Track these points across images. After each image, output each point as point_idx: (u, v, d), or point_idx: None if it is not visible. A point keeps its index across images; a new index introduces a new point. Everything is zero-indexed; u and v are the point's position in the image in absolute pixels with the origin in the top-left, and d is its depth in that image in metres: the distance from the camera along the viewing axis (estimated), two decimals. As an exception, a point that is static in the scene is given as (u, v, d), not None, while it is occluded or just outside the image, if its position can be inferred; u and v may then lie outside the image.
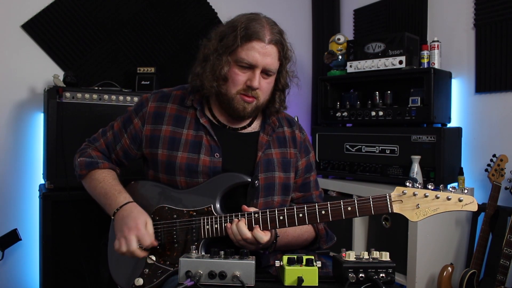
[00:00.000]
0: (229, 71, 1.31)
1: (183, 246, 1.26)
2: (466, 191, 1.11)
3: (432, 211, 1.10)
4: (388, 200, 1.13)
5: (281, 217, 1.20)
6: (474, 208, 1.10)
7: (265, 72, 1.31)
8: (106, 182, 1.36)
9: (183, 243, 1.26)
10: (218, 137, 1.36)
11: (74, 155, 1.48)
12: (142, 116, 1.40)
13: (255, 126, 1.44)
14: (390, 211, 1.13)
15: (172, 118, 1.38)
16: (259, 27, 1.29)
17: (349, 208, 1.15)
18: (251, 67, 1.29)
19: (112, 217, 1.30)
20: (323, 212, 1.18)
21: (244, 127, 1.42)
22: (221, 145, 1.35)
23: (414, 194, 1.11)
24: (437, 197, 1.10)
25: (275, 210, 1.20)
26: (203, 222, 1.25)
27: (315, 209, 1.18)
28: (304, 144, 1.51)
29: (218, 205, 1.28)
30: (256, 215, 1.21)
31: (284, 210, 1.20)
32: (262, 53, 1.28)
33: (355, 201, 1.15)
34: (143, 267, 1.28)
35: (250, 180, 1.30)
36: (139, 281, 1.26)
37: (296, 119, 1.64)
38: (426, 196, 1.11)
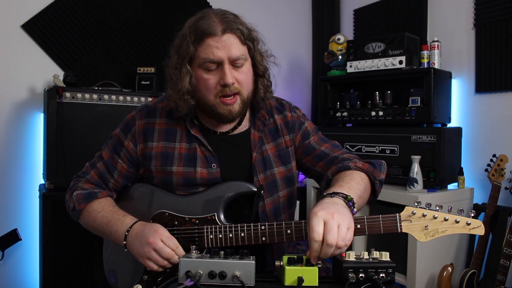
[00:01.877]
0: (196, 79, 1.24)
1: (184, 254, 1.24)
2: (473, 214, 1.14)
3: (440, 233, 1.13)
4: (397, 220, 1.14)
5: (289, 231, 1.17)
6: (481, 232, 1.13)
7: (234, 64, 1.22)
8: (106, 210, 1.28)
9: (185, 251, 1.22)
10: (212, 146, 1.31)
11: (65, 196, 1.39)
12: (132, 137, 1.33)
13: (245, 124, 1.37)
14: (399, 231, 1.14)
15: (162, 133, 1.32)
16: (207, 23, 1.21)
17: (359, 226, 1.14)
18: (217, 65, 1.21)
19: (124, 242, 1.21)
20: None
21: (235, 127, 1.36)
22: (216, 154, 1.30)
23: (423, 215, 1.13)
24: (446, 219, 1.12)
25: (282, 224, 1.18)
26: (207, 231, 1.22)
27: None
28: (298, 121, 1.42)
29: (222, 214, 1.25)
30: (263, 227, 1.19)
31: (291, 224, 1.18)
32: (221, 46, 1.19)
33: (365, 219, 1.15)
34: (143, 273, 1.25)
35: (256, 189, 1.26)
36: (138, 287, 1.23)
37: None
38: (435, 218, 1.13)
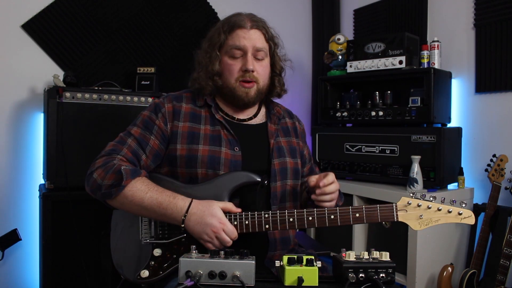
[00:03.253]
0: (222, 64, 1.42)
1: (190, 241, 1.26)
2: (464, 205, 1.21)
3: (434, 222, 1.21)
4: (394, 209, 1.23)
5: (291, 219, 1.24)
6: (472, 221, 1.21)
7: (256, 55, 1.41)
8: (152, 190, 1.26)
9: (191, 238, 1.26)
10: (234, 131, 1.41)
11: (90, 174, 1.30)
12: (162, 116, 1.40)
13: (261, 118, 1.52)
14: (395, 220, 1.23)
15: (189, 116, 1.42)
16: (239, 18, 1.41)
17: (357, 215, 1.24)
18: (242, 54, 1.40)
19: (182, 225, 1.24)
20: (332, 216, 1.24)
21: (250, 118, 1.49)
22: (238, 139, 1.40)
23: (418, 205, 1.21)
24: (439, 209, 1.20)
25: (285, 212, 1.25)
26: None
27: (325, 213, 1.24)
28: (303, 134, 1.65)
29: None
30: (267, 216, 1.25)
31: (294, 212, 1.25)
32: (248, 37, 1.39)
33: (363, 208, 1.24)
34: (149, 259, 1.29)
35: (259, 179, 1.31)
36: (145, 273, 1.27)
37: None
38: (429, 208, 1.20)
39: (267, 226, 1.24)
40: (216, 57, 1.42)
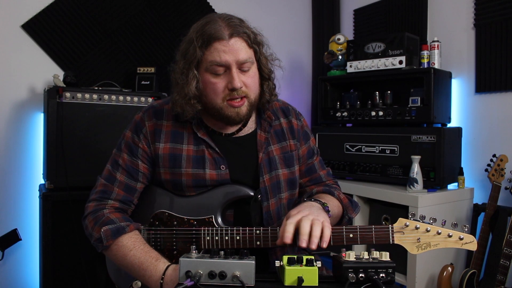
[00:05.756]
0: (204, 82, 1.24)
1: (181, 253, 1.23)
2: (466, 229, 1.16)
3: (433, 246, 1.15)
4: (390, 231, 1.17)
5: None
6: (474, 247, 1.15)
7: (241, 68, 1.23)
8: (137, 248, 1.21)
9: (183, 250, 1.25)
10: (219, 148, 1.31)
11: (84, 219, 1.30)
12: (144, 137, 1.32)
13: (251, 125, 1.38)
14: (391, 242, 1.17)
15: (170, 135, 1.32)
16: (213, 28, 1.20)
17: (351, 235, 1.17)
18: (224, 70, 1.22)
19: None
20: None
21: (240, 129, 1.36)
22: (224, 155, 1.31)
23: (416, 228, 1.15)
24: (439, 233, 1.15)
25: (276, 229, 1.19)
26: (204, 233, 1.24)
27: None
28: (302, 131, 1.46)
29: (219, 217, 1.27)
30: (258, 232, 1.21)
31: None
32: (228, 50, 1.19)
33: (357, 228, 1.17)
34: None
35: (252, 194, 1.28)
36: (138, 284, 1.26)
37: None
38: (427, 231, 1.15)
39: (258, 243, 1.20)
40: (193, 77, 1.23)
